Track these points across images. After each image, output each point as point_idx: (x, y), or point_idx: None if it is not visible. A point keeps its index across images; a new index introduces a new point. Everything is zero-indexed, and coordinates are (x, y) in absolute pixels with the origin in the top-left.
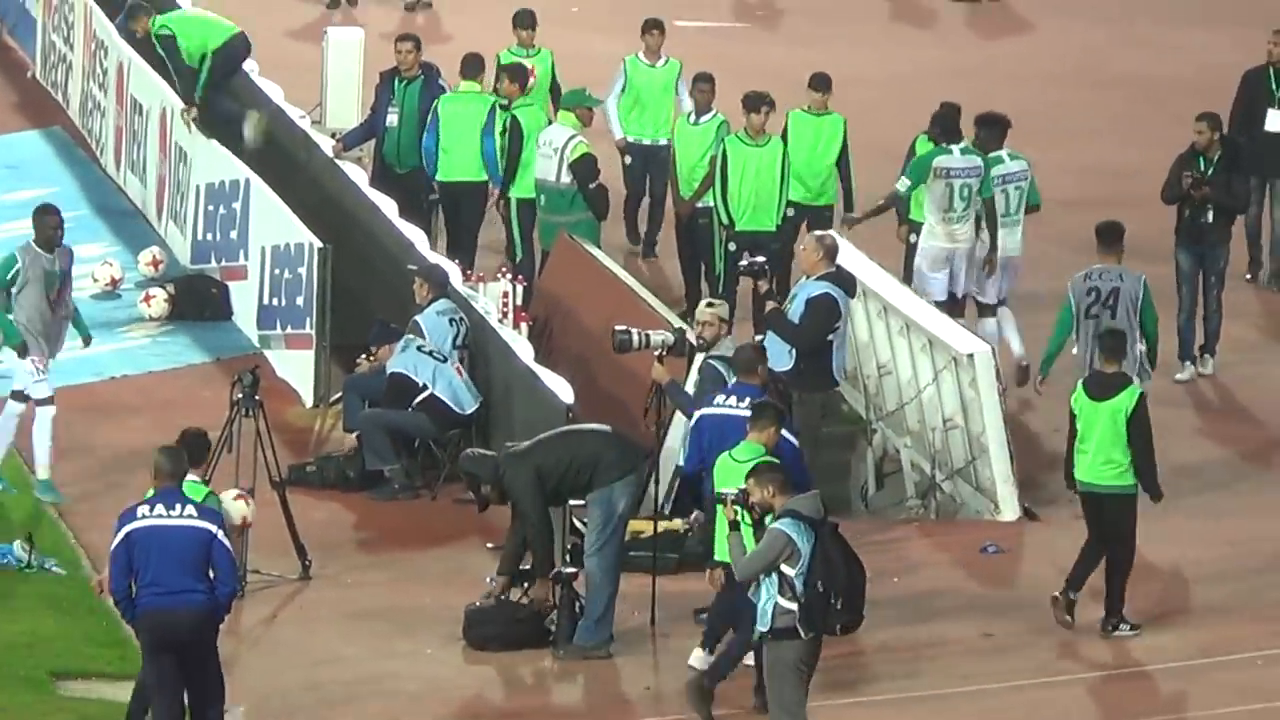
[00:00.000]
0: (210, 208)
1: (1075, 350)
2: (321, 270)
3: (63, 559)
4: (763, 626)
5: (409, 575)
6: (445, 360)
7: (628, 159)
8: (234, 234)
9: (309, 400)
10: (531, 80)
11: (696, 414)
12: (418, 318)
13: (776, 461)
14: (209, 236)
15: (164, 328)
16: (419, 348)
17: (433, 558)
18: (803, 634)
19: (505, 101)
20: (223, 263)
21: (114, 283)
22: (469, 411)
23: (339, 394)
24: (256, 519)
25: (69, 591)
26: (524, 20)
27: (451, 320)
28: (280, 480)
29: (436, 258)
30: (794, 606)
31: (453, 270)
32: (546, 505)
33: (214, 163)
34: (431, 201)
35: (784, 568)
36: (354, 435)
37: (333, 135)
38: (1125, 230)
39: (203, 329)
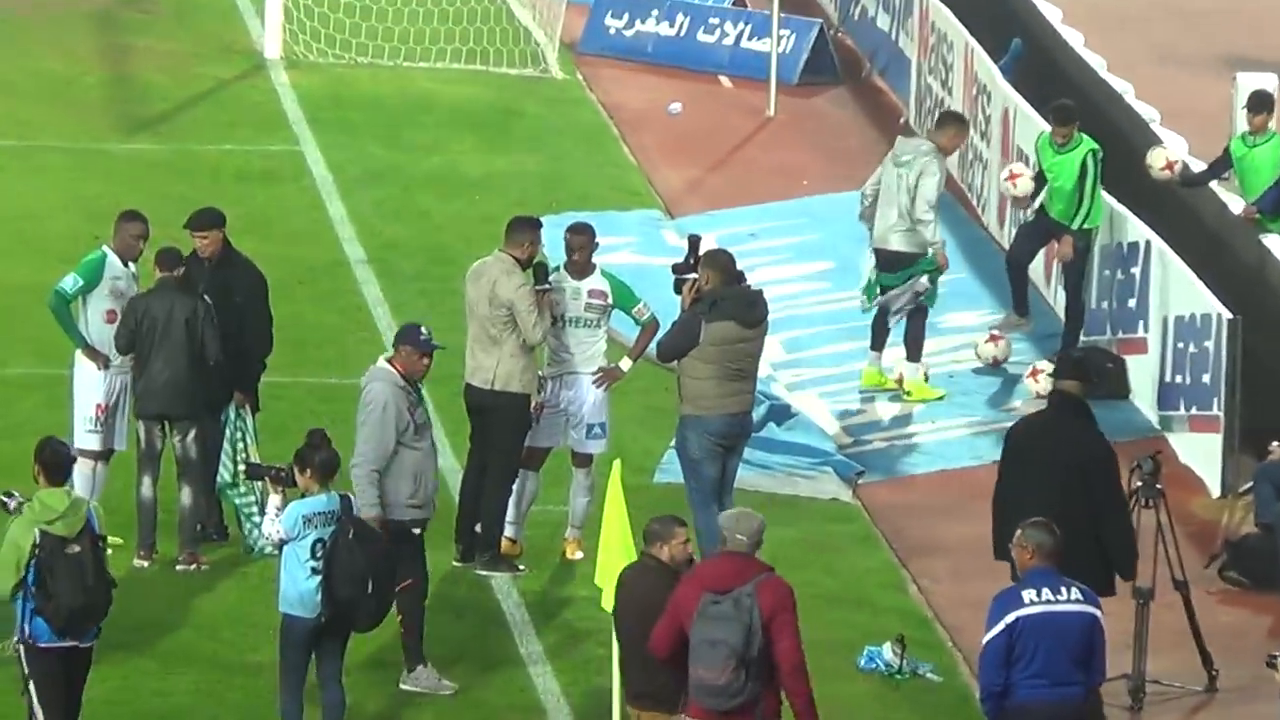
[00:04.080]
0: (1106, 272)
1: None
2: (1231, 344)
3: (940, 664)
4: None
5: None
6: None
7: None
8: (1133, 302)
9: (1215, 490)
10: None
11: None
12: None
13: None
14: (1104, 305)
15: None
16: None
17: None
18: None
19: None
20: (1119, 334)
21: (995, 363)
22: None
23: (1249, 483)
24: (1158, 624)
25: (941, 699)
26: None
27: None
28: (1183, 580)
29: None
30: None
31: None
32: None
33: (1111, 222)
34: None
35: None
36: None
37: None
38: None
39: (1098, 407)
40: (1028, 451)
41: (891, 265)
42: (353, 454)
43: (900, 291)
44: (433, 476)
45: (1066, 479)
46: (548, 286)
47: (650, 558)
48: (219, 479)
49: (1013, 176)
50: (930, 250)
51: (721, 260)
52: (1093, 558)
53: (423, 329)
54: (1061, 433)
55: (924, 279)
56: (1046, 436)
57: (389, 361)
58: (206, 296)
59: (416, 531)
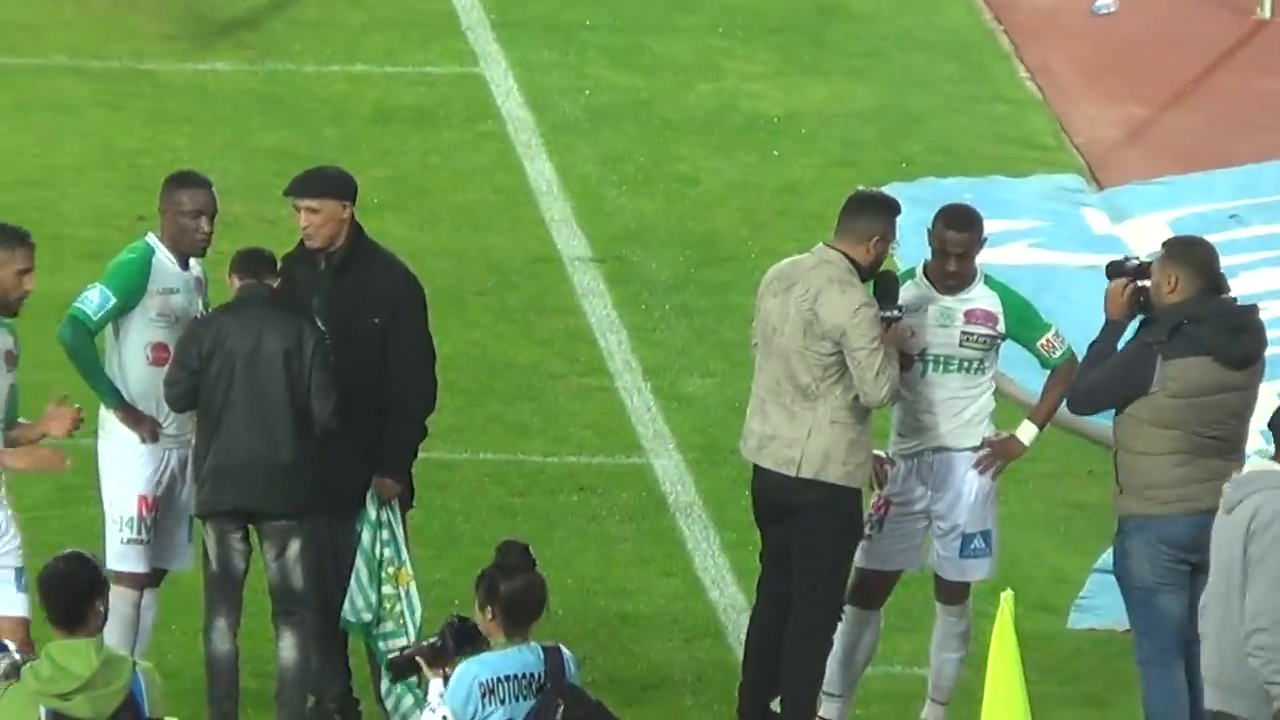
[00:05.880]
0: None
1: None
2: None
3: None
4: None
5: None
6: None
7: None
8: None
9: None
10: None
11: None
12: None
13: None
14: None
15: None
16: None
17: None
18: None
19: None
20: None
21: None
22: None
23: None
24: None
25: None
26: None
27: None
28: None
29: None
30: None
31: None
32: None
33: None
34: None
35: None
36: None
37: None
38: None
39: None
40: None
41: None
42: (1246, 612)
43: None
44: None
45: None
46: (897, 312)
47: None
48: (346, 617)
49: None
50: None
51: (1199, 255)
52: None
53: None
54: None
55: None
56: None
57: None
58: (319, 318)
59: None
